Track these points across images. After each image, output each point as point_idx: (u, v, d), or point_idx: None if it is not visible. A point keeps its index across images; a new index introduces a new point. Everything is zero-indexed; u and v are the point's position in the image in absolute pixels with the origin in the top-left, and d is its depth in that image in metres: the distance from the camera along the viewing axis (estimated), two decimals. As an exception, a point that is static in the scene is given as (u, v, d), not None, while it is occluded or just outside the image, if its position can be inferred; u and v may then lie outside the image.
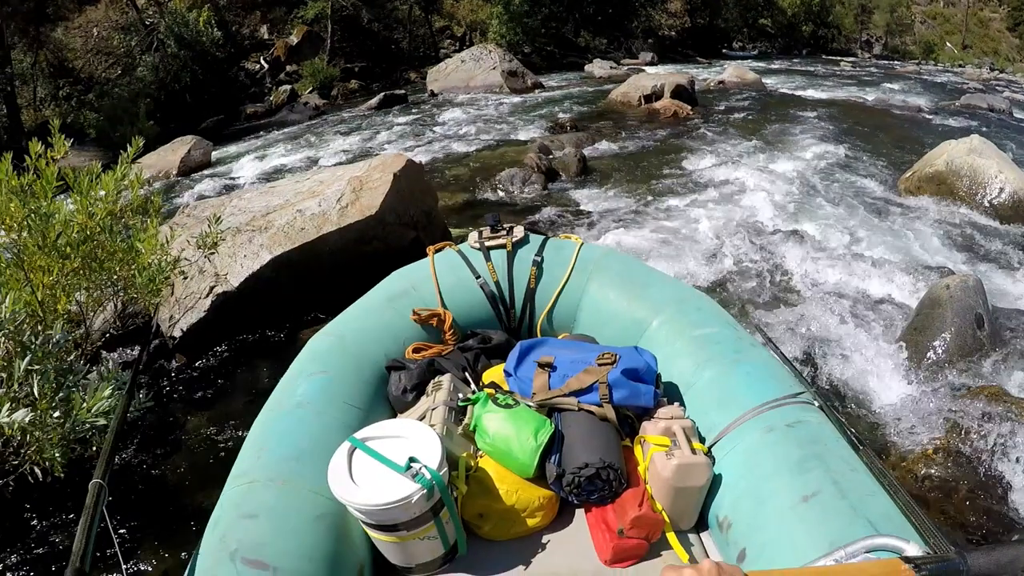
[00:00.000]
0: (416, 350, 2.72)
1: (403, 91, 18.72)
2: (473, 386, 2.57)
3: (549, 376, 2.39)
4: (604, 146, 11.58)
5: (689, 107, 14.90)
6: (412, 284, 2.94)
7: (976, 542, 3.20)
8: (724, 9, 43.67)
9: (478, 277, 2.96)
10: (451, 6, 29.65)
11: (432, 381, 2.51)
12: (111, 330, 4.56)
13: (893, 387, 4.38)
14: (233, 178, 10.68)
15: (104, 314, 4.39)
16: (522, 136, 12.62)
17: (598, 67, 25.24)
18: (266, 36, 22.87)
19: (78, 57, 18.86)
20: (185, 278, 4.70)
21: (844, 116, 15.67)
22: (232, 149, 13.64)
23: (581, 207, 8.13)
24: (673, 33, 39.94)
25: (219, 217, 4.49)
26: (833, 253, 6.54)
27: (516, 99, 17.51)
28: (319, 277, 5.20)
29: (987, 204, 8.12)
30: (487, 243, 3.03)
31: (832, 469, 1.90)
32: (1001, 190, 8.14)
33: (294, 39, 22.52)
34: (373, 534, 1.89)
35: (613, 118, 14.29)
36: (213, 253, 4.44)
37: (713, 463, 2.12)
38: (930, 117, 17.32)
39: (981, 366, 4.47)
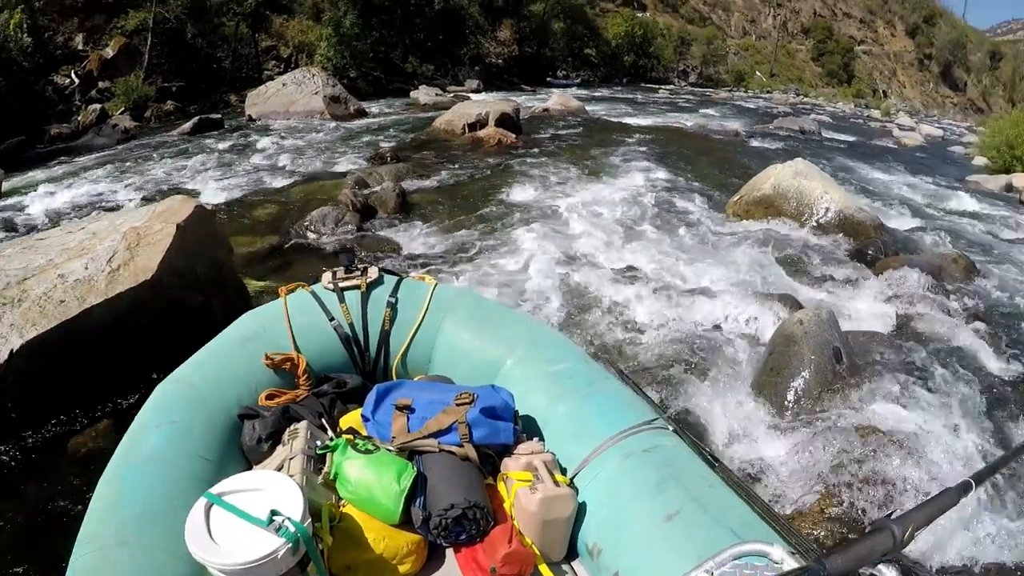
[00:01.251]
0: (270, 396, 2.66)
1: (219, 115, 18.09)
2: (331, 433, 2.53)
3: (408, 419, 2.41)
4: (426, 178, 11.40)
5: (514, 135, 15.12)
6: (264, 327, 2.88)
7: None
8: (551, 39, 45.47)
9: (332, 319, 2.93)
10: (280, 26, 28.88)
11: (288, 429, 2.46)
12: None
13: (758, 440, 4.25)
14: (21, 216, 9.31)
15: None
16: (340, 168, 12.31)
17: (424, 93, 25.64)
18: (81, 47, 21.09)
19: None
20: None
21: (667, 141, 16.39)
22: (31, 176, 12.34)
23: (398, 248, 7.78)
24: (500, 61, 41.15)
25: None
26: (670, 285, 6.52)
27: (338, 126, 17.27)
28: (84, 357, 4.32)
29: (815, 224, 8.64)
30: (341, 284, 3.01)
31: (691, 487, 2.03)
32: (827, 209, 8.70)
33: (110, 52, 21.05)
34: (237, 597, 1.83)
35: (436, 147, 14.32)
36: None
37: (577, 493, 2.21)
38: (747, 140, 18.60)
39: (844, 401, 4.46)
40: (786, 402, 4.50)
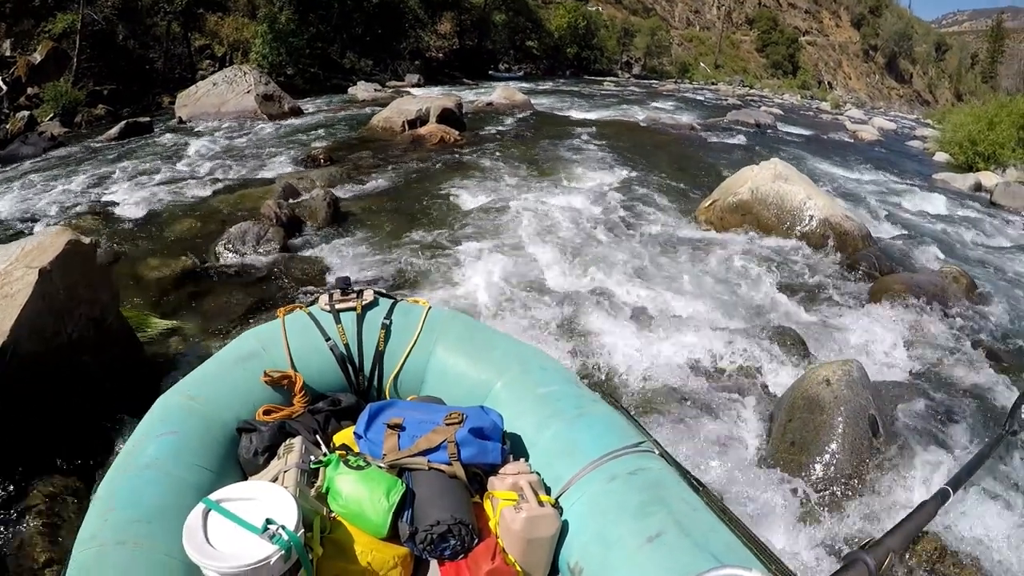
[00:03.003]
0: (267, 412, 2.79)
1: (148, 119, 17.35)
2: (324, 448, 2.69)
3: (399, 437, 2.57)
4: (362, 183, 10.81)
5: (457, 132, 14.73)
6: (263, 345, 3.01)
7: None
8: (493, 31, 45.52)
9: (328, 340, 3.08)
10: (215, 24, 28.12)
11: (284, 444, 2.59)
12: None
13: (778, 532, 3.53)
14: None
15: None
16: (270, 173, 11.54)
17: (362, 90, 25.37)
18: (8, 52, 20.38)
19: None
20: None
21: (620, 137, 16.22)
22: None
23: (325, 270, 6.94)
24: (441, 55, 41.10)
25: None
26: (645, 311, 5.97)
27: (270, 127, 16.55)
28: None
29: (799, 234, 8.02)
30: (337, 306, 3.17)
31: (674, 510, 2.16)
32: (811, 217, 8.07)
33: (38, 57, 20.21)
34: (230, 600, 1.94)
35: (374, 147, 13.77)
36: None
37: (561, 513, 2.34)
38: (703, 135, 18.40)
39: (881, 486, 3.77)
40: (812, 488, 3.74)
